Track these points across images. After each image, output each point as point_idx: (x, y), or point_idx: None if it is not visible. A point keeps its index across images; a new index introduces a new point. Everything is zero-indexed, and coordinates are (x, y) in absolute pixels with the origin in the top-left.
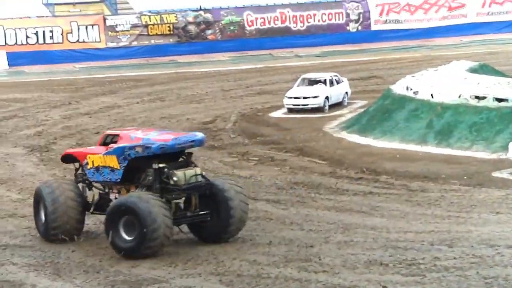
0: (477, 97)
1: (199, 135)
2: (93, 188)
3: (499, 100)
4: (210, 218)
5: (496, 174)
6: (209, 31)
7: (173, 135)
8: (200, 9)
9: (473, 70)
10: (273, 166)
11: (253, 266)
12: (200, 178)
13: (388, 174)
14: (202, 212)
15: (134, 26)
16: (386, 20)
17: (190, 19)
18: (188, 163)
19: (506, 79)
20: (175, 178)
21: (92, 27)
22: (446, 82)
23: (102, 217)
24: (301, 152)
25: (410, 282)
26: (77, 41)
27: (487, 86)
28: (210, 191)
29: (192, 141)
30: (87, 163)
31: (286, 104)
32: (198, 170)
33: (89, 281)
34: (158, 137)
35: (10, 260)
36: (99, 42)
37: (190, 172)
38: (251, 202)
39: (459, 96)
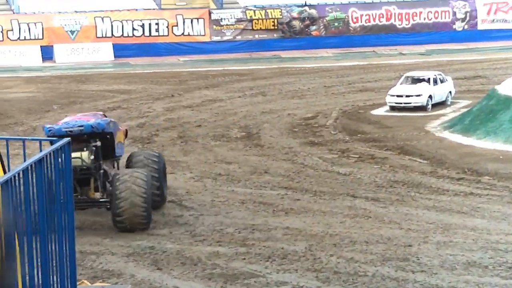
0: None
1: (96, 122)
2: None
3: None
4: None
5: None
6: (313, 27)
7: (80, 119)
8: (305, 5)
9: None
10: (373, 164)
11: (350, 263)
12: (81, 161)
13: (490, 175)
14: (90, 198)
15: (239, 21)
16: (494, 20)
17: (295, 14)
18: (86, 147)
19: None
20: None
21: (198, 20)
22: None
23: (195, 211)
24: (402, 150)
25: (510, 286)
26: (182, 34)
27: None
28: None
29: (81, 126)
30: None
31: (389, 102)
32: (84, 155)
33: (187, 273)
34: (62, 121)
35: (110, 250)
36: (204, 35)
37: (77, 154)
38: (350, 199)
39: None
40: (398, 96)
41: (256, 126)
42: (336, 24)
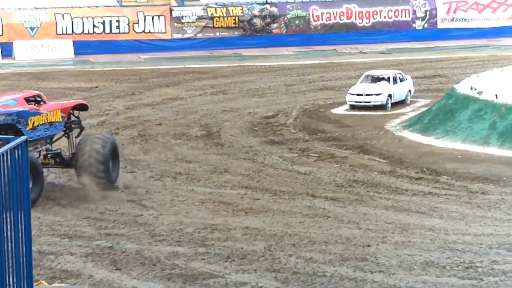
0: None
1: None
2: None
3: None
4: None
5: None
6: (274, 25)
7: None
8: (266, 3)
9: None
10: (333, 163)
11: (309, 264)
12: None
13: (448, 174)
14: None
15: (200, 18)
16: (453, 18)
17: (256, 12)
18: None
19: None
20: None
21: (159, 17)
22: (509, 83)
23: (154, 210)
24: (361, 149)
25: (467, 286)
26: (143, 31)
27: None
28: None
29: None
30: None
31: (349, 101)
32: None
33: (146, 273)
34: None
35: (68, 250)
36: (165, 33)
37: None
38: (309, 199)
39: None
40: (358, 95)
41: (216, 125)
42: (297, 22)
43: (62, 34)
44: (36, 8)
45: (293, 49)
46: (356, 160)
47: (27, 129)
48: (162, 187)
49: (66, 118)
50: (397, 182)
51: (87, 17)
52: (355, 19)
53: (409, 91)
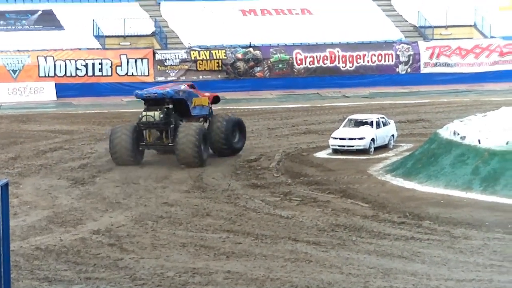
0: None
1: (163, 91)
2: None
3: None
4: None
5: None
6: (257, 68)
7: (158, 88)
8: (250, 46)
9: None
10: (315, 207)
11: None
12: (153, 119)
13: (431, 219)
14: (163, 143)
15: (183, 61)
16: (436, 63)
17: (239, 55)
18: (160, 108)
19: None
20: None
21: (142, 60)
22: (494, 128)
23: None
24: (344, 194)
25: None
26: (126, 74)
27: None
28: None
29: (155, 93)
30: None
31: (332, 145)
32: (156, 114)
33: None
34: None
35: None
36: (148, 76)
37: (151, 113)
38: (291, 243)
39: (507, 143)
40: (341, 138)
41: (198, 168)
42: (280, 65)
43: (45, 76)
44: (18, 50)
45: (276, 92)
46: (339, 204)
47: (191, 106)
48: (143, 231)
49: (210, 105)
50: (380, 226)
51: (69, 60)
52: (339, 63)
53: (392, 135)
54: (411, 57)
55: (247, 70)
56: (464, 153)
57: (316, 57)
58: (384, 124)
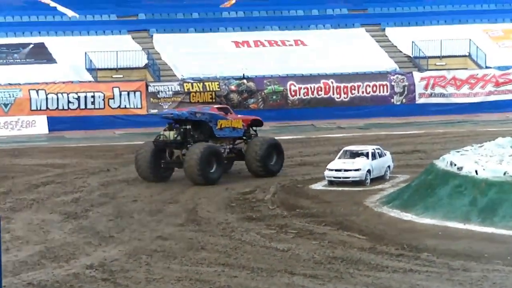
0: None
1: (178, 112)
2: None
3: None
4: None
5: None
6: (251, 100)
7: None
8: (243, 78)
9: None
10: (311, 240)
11: None
12: (167, 138)
13: (429, 251)
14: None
15: (176, 93)
16: (431, 94)
17: (233, 87)
18: (176, 128)
19: None
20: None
21: (134, 93)
22: (491, 159)
23: None
24: (340, 226)
25: None
26: (119, 107)
27: None
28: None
29: (171, 114)
30: None
31: (327, 176)
32: (171, 134)
33: None
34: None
35: None
36: (141, 108)
37: (166, 133)
38: (288, 276)
39: (504, 174)
40: (336, 170)
41: (193, 201)
42: (274, 97)
43: (37, 110)
44: (10, 84)
45: (270, 124)
46: (335, 236)
47: (216, 128)
48: (137, 265)
49: (245, 127)
50: (377, 259)
51: (61, 93)
52: (333, 94)
53: (388, 166)
54: (406, 88)
55: (240, 101)
56: (461, 184)
57: (310, 88)
58: (380, 155)
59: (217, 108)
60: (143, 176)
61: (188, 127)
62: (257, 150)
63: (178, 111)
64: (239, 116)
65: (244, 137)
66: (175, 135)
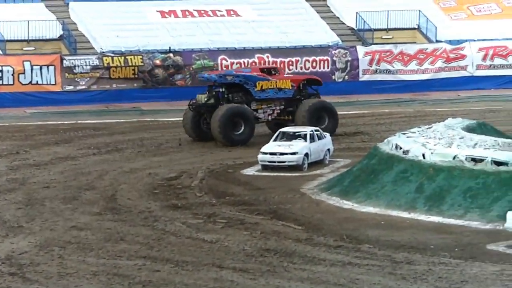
0: (473, 160)
1: (207, 75)
2: None
3: (498, 163)
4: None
5: (491, 246)
6: (178, 76)
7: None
8: (169, 51)
9: (470, 129)
10: (242, 230)
11: None
12: (198, 101)
13: (370, 242)
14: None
15: (95, 68)
16: (377, 70)
17: (158, 62)
18: (209, 91)
19: (506, 140)
20: None
21: (47, 67)
22: (440, 142)
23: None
24: (274, 215)
25: None
26: (30, 83)
27: (485, 148)
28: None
29: (203, 76)
30: None
31: (261, 161)
32: (203, 97)
33: None
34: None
35: None
36: (54, 84)
37: (199, 96)
38: (215, 270)
39: (454, 158)
40: (271, 154)
41: (112, 188)
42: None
43: None
44: None
45: None
46: (269, 226)
47: (255, 90)
48: (49, 258)
49: (296, 87)
50: (314, 251)
51: None
52: None
53: (328, 150)
54: (348, 63)
55: (166, 78)
56: (407, 169)
57: (244, 63)
58: (319, 138)
59: (261, 69)
60: (189, 135)
61: (222, 89)
62: (304, 113)
63: (209, 74)
64: (287, 76)
65: (300, 97)
66: (206, 99)
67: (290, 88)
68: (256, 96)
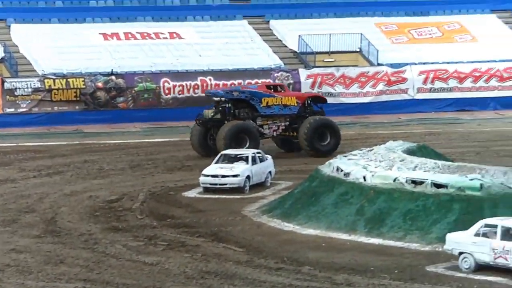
0: (413, 182)
1: (214, 91)
2: None
3: (438, 186)
4: None
5: (430, 268)
6: (120, 99)
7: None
8: (112, 74)
9: (410, 152)
10: (183, 252)
11: None
12: (205, 116)
13: (311, 264)
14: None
15: (36, 91)
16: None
17: (100, 84)
18: (215, 107)
19: (446, 163)
20: None
21: None
22: (380, 164)
23: None
24: (215, 237)
25: None
26: None
27: (425, 170)
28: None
29: (210, 92)
30: None
31: (202, 183)
32: (209, 112)
33: None
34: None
35: None
36: None
37: (206, 111)
38: None
39: (395, 180)
40: (212, 176)
41: (52, 210)
42: (146, 95)
43: None
44: None
45: (141, 125)
46: (210, 248)
47: (261, 106)
48: None
49: (301, 104)
50: (255, 273)
51: None
52: None
53: (270, 172)
54: (291, 86)
55: (108, 100)
56: (347, 191)
57: (186, 86)
58: (261, 160)
59: (267, 85)
60: (196, 151)
61: (227, 105)
62: (305, 129)
63: (215, 90)
64: (292, 93)
65: (305, 114)
66: (212, 114)
67: (295, 105)
68: (261, 112)
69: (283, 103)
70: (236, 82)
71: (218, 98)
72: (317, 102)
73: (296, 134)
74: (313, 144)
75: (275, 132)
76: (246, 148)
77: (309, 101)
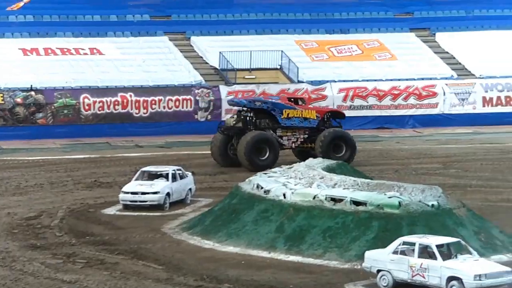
0: (333, 199)
1: (236, 99)
2: None
3: (357, 203)
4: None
5: (349, 286)
6: (39, 115)
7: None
8: (31, 89)
9: (330, 169)
10: (102, 270)
11: None
12: (227, 124)
13: (231, 282)
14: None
15: None
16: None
17: (19, 100)
18: (237, 115)
19: (365, 180)
20: None
21: None
22: (300, 182)
23: None
24: (135, 254)
25: None
26: None
27: (345, 188)
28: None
29: (232, 101)
30: None
31: (122, 200)
32: (231, 120)
33: None
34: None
35: None
36: None
37: (229, 120)
38: None
39: (314, 198)
40: (132, 193)
41: None
42: (65, 111)
43: None
44: None
45: (60, 141)
46: (129, 266)
47: (281, 117)
48: None
49: (320, 118)
50: None
51: None
52: (131, 109)
53: (190, 189)
54: (211, 103)
55: (27, 116)
56: (267, 209)
57: (106, 102)
58: (181, 177)
59: (288, 98)
60: (216, 161)
61: (249, 114)
62: (321, 142)
63: (238, 98)
64: (313, 106)
65: (324, 128)
66: (234, 122)
67: (315, 118)
68: (282, 123)
69: (303, 116)
70: (157, 98)
71: (240, 106)
72: (336, 117)
73: (314, 146)
74: (328, 155)
75: (293, 144)
76: (265, 158)
77: (328, 115)
